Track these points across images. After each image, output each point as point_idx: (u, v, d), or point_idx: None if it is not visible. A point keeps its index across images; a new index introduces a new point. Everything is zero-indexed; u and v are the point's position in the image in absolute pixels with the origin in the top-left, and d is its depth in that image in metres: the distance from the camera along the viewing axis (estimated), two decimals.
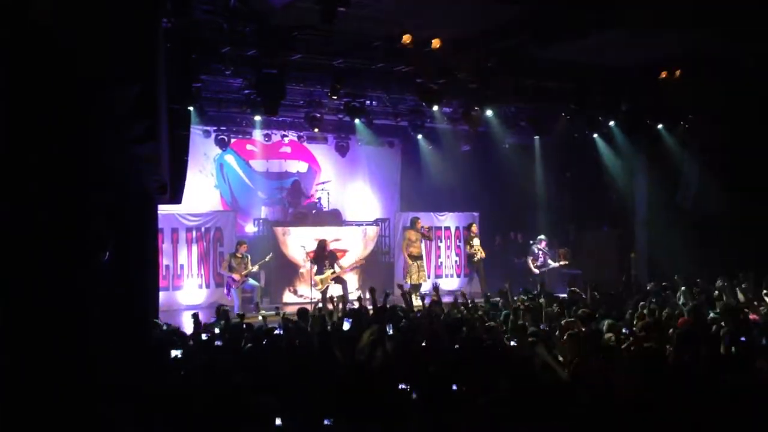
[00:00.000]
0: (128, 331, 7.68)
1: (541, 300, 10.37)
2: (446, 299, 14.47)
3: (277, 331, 7.79)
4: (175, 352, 6.41)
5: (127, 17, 3.64)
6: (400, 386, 5.26)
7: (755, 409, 4.81)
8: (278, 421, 4.65)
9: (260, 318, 9.97)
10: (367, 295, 15.37)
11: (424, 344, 7.23)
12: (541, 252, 16.16)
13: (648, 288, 11.76)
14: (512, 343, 7.00)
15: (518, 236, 17.85)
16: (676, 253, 14.69)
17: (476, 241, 15.67)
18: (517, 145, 18.22)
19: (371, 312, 9.42)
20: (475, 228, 15.97)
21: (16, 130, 3.49)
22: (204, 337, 8.15)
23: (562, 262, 16.36)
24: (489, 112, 15.16)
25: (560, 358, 6.54)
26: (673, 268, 13.64)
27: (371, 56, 12.30)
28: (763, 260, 12.97)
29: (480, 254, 15.57)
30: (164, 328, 8.82)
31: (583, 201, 17.79)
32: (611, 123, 15.84)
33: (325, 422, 4.67)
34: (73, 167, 3.76)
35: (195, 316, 9.26)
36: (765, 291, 10.59)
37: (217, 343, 7.86)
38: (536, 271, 16.04)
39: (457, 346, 7.11)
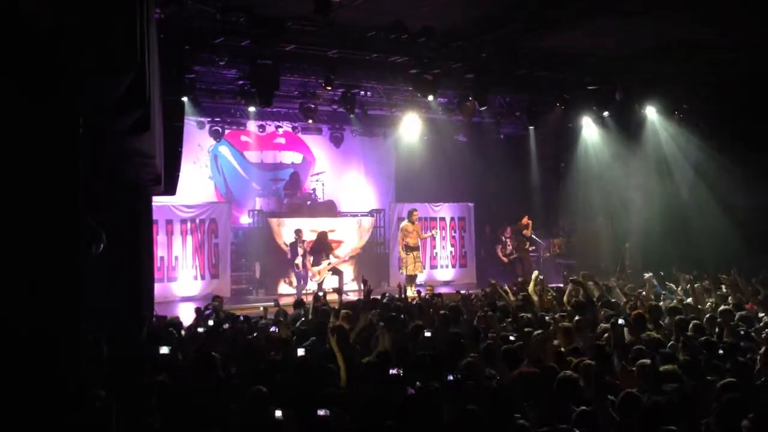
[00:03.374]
0: (123, 324, 7.68)
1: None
2: (442, 290, 14.60)
3: (272, 329, 7.77)
4: (164, 350, 6.36)
5: (116, 5, 3.60)
6: (391, 371, 5.26)
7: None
8: (278, 413, 4.64)
9: (261, 309, 9.99)
10: (362, 286, 15.54)
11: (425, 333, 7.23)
12: (508, 240, 16.51)
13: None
14: (511, 337, 7.01)
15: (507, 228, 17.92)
16: (670, 243, 14.72)
17: (527, 233, 16.16)
18: (511, 135, 18.23)
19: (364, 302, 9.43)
20: (526, 219, 16.17)
21: (4, 122, 3.47)
22: (200, 329, 8.15)
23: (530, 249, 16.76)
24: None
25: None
26: (668, 257, 13.68)
27: (366, 47, 12.25)
28: (755, 250, 13.06)
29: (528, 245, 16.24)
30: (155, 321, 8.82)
31: (577, 191, 17.80)
32: (606, 112, 15.83)
33: (320, 413, 4.65)
34: (64, 159, 3.73)
35: (198, 310, 9.28)
36: (754, 280, 10.66)
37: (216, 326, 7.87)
38: (505, 259, 16.43)
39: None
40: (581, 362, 5.68)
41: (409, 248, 14.77)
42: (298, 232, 14.70)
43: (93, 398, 4.38)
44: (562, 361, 5.92)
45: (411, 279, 14.48)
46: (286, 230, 15.20)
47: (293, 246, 14.68)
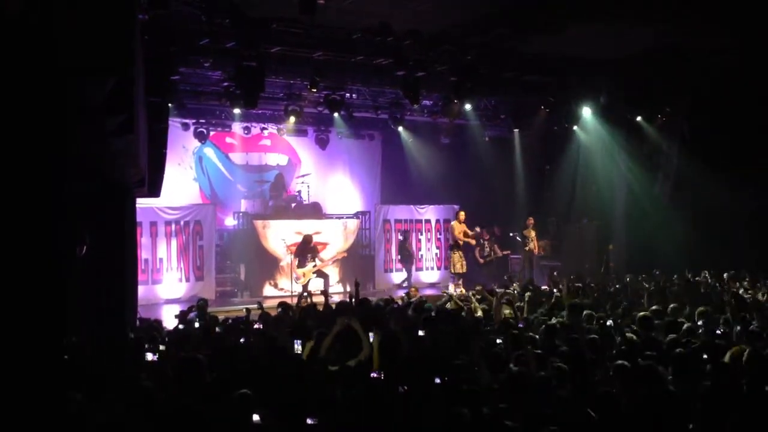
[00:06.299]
0: (106, 325, 7.65)
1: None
2: (427, 292, 14.64)
3: (256, 326, 7.76)
4: (151, 356, 6.32)
5: (102, 8, 3.60)
6: (372, 374, 5.27)
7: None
8: (256, 417, 4.62)
9: (244, 310, 9.95)
10: (349, 288, 15.54)
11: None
12: (486, 242, 16.63)
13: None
14: (498, 340, 7.03)
15: (495, 229, 17.95)
16: (654, 245, 14.82)
17: (533, 233, 16.18)
18: (496, 138, 18.29)
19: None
20: (531, 220, 16.35)
21: None
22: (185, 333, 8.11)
23: (506, 252, 16.87)
24: (468, 106, 15.27)
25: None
26: (651, 259, 13.78)
27: (351, 49, 12.26)
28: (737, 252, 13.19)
29: (533, 245, 16.11)
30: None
31: (562, 193, 17.89)
32: (590, 115, 15.93)
33: (309, 421, 4.64)
34: (49, 161, 3.72)
35: (181, 314, 9.25)
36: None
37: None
38: (481, 261, 16.55)
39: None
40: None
41: (456, 247, 15.10)
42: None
43: (69, 401, 4.35)
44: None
45: (459, 277, 14.98)
46: (271, 232, 15.16)
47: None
